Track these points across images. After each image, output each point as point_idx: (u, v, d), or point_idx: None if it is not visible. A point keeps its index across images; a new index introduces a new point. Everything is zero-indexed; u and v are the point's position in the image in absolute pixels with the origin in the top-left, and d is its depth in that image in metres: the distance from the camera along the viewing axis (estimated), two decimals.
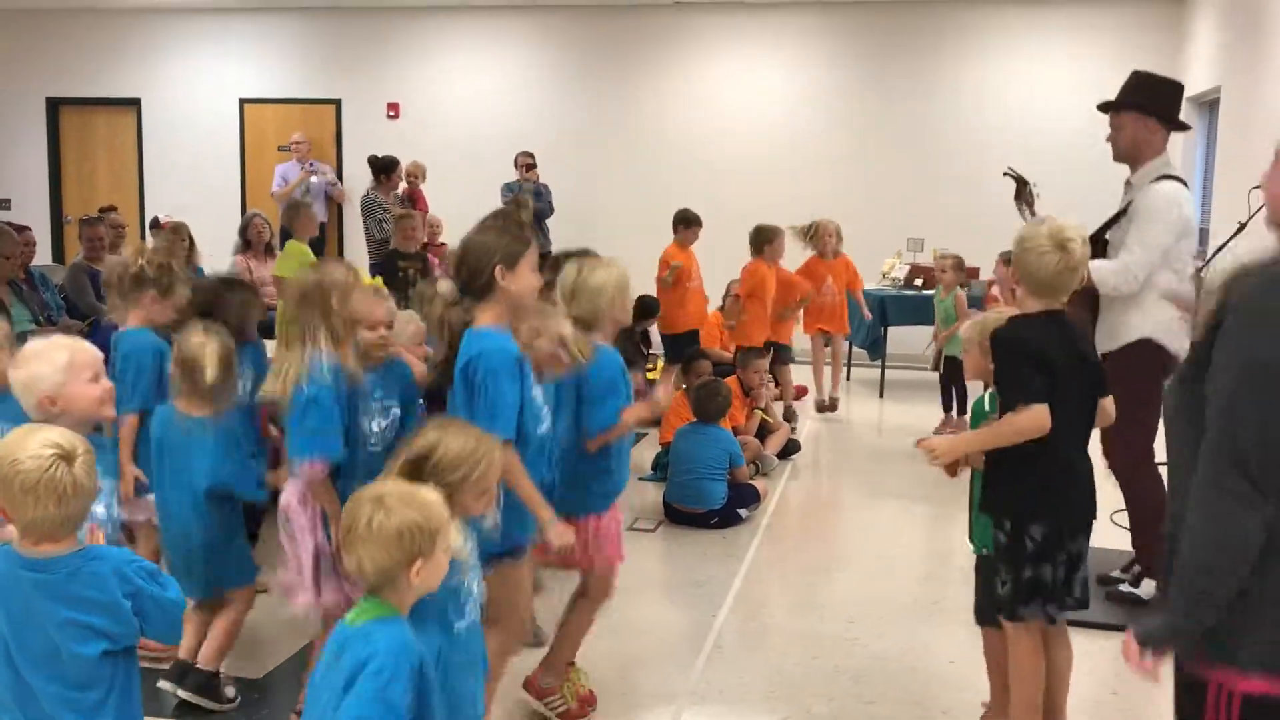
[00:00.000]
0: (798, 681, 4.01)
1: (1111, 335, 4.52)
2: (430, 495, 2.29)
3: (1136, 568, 4.89)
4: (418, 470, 2.52)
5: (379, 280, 4.12)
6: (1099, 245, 4.69)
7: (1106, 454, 4.72)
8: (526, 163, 10.14)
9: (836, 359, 8.93)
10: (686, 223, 8.51)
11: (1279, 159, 2.18)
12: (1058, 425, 3.05)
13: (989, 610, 3.46)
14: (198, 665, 3.74)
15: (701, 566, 5.25)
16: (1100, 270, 4.46)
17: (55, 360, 2.67)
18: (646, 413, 3.69)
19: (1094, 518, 3.26)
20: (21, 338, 6.07)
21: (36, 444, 2.19)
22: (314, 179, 11.16)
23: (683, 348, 8.48)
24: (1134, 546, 4.91)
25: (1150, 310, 4.47)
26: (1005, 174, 4.88)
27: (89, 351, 2.77)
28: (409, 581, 2.21)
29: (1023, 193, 4.80)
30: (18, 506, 2.19)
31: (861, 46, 11.22)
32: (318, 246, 9.06)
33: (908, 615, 4.66)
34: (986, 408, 3.49)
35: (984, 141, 10.91)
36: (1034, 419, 3.04)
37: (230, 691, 3.82)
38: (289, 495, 3.37)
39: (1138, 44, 10.47)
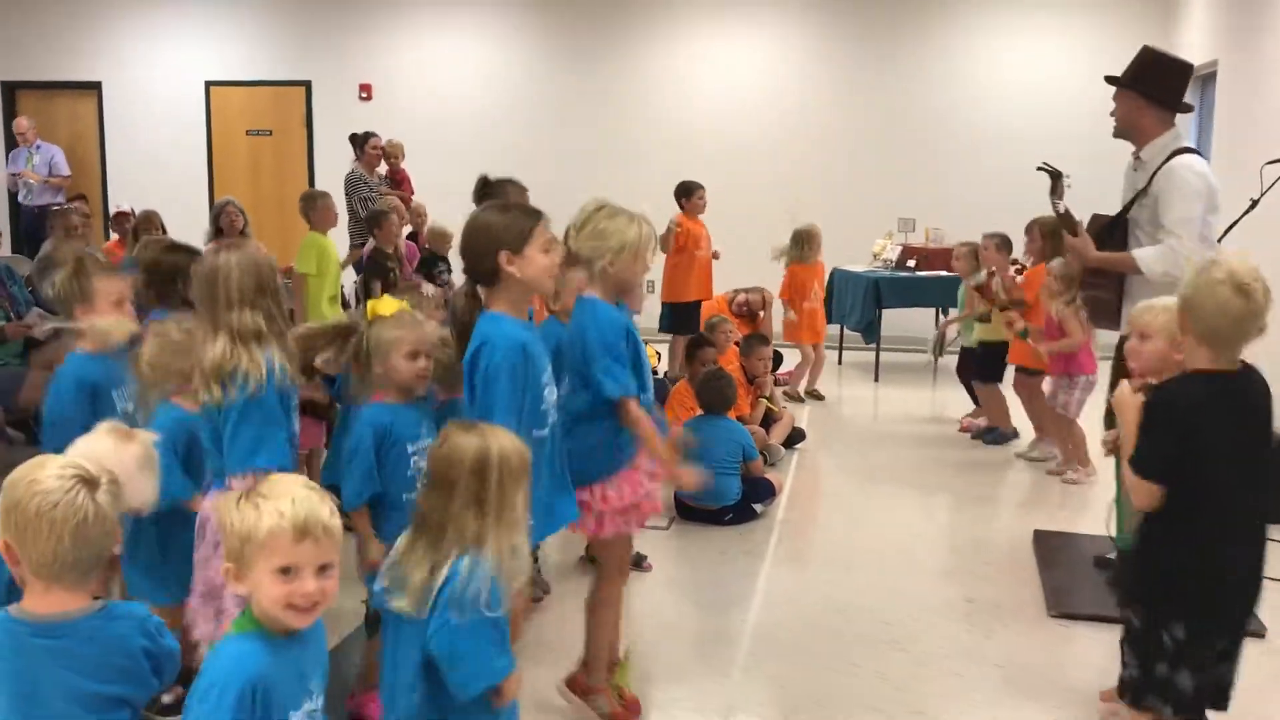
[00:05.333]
0: (842, 691, 3.80)
1: None
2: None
3: None
4: (485, 485, 2.36)
5: (406, 303, 3.79)
6: (1120, 226, 4.54)
7: None
8: None
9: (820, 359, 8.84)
10: (687, 192, 8.43)
11: None
12: (1207, 511, 2.69)
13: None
14: None
15: (723, 566, 5.04)
16: (1145, 259, 4.33)
17: None
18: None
19: (1249, 615, 2.86)
20: None
21: (57, 466, 1.95)
22: (32, 180, 10.78)
23: (687, 317, 8.29)
24: None
25: None
26: (1039, 168, 4.70)
27: None
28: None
29: (1056, 186, 4.63)
30: (28, 538, 1.91)
31: (851, 23, 11.00)
32: None
33: (941, 616, 4.47)
34: None
35: (976, 119, 10.77)
36: (1139, 493, 2.73)
37: (169, 699, 3.51)
38: (210, 508, 3.02)
39: (1130, 17, 10.33)
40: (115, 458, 2.33)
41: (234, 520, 1.92)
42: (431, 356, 3.31)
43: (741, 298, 8.43)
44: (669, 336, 8.62)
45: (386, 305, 3.57)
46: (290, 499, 1.93)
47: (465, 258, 2.97)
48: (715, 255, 8.53)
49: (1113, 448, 3.32)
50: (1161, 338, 3.06)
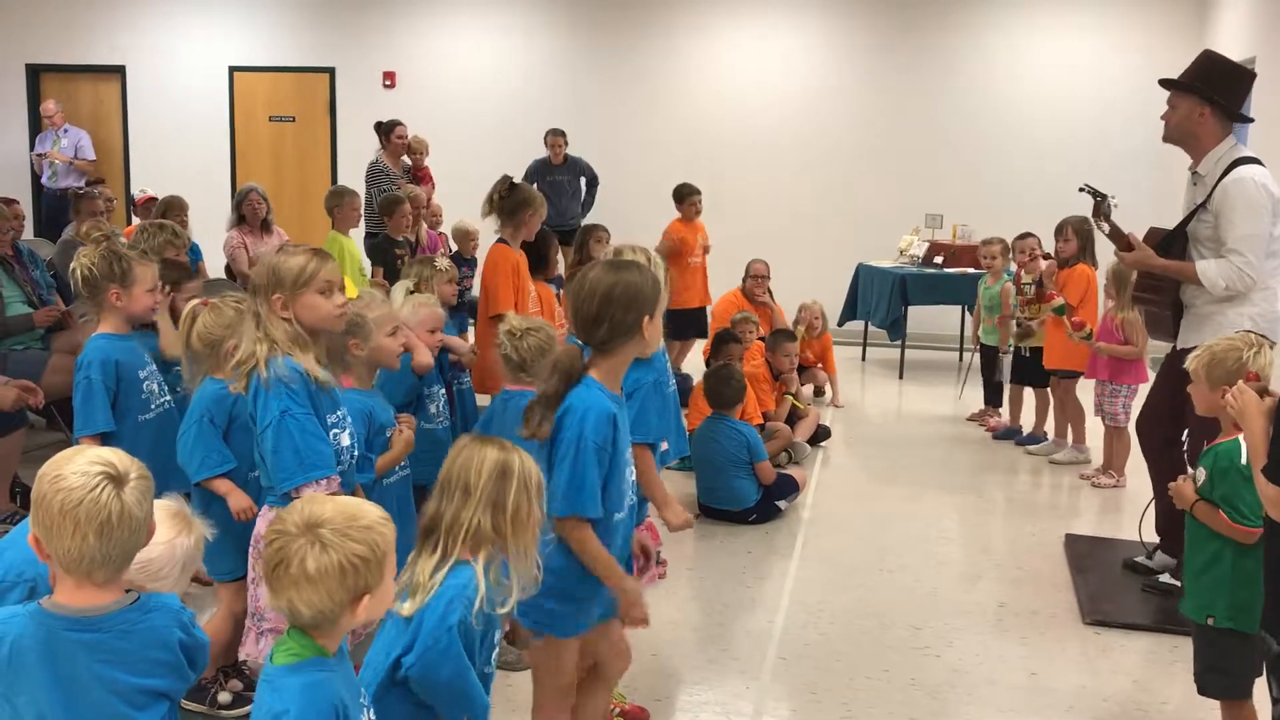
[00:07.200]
0: (873, 698, 3.72)
1: (1206, 328, 4.25)
2: (371, 514, 1.93)
3: (1161, 555, 4.70)
4: (504, 489, 2.27)
5: (416, 276, 3.82)
6: (1178, 240, 4.42)
7: (1189, 445, 4.47)
8: (557, 143, 9.80)
9: None
10: (680, 197, 8.38)
11: None
12: None
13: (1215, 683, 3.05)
14: None
15: (749, 567, 4.96)
16: (1207, 273, 4.22)
17: None
18: None
19: None
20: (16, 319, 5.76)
21: (84, 460, 1.88)
22: (58, 162, 10.88)
23: (684, 325, 8.18)
24: (1160, 530, 4.70)
25: (1251, 300, 4.20)
26: (1081, 189, 4.59)
27: None
28: (351, 620, 1.90)
29: (1100, 208, 4.52)
30: (54, 535, 1.85)
31: (882, 17, 10.87)
32: None
33: (973, 622, 4.38)
34: (1243, 459, 2.91)
35: (1003, 114, 10.64)
36: (1272, 502, 2.49)
37: (226, 697, 3.51)
38: (264, 525, 2.90)
39: (1164, 13, 10.19)
40: (167, 547, 2.18)
41: (360, 550, 1.86)
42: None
43: (749, 284, 8.28)
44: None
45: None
46: (356, 502, 1.98)
47: (602, 319, 2.64)
48: (705, 249, 8.47)
49: (1181, 497, 3.07)
50: (1200, 380, 3.03)
